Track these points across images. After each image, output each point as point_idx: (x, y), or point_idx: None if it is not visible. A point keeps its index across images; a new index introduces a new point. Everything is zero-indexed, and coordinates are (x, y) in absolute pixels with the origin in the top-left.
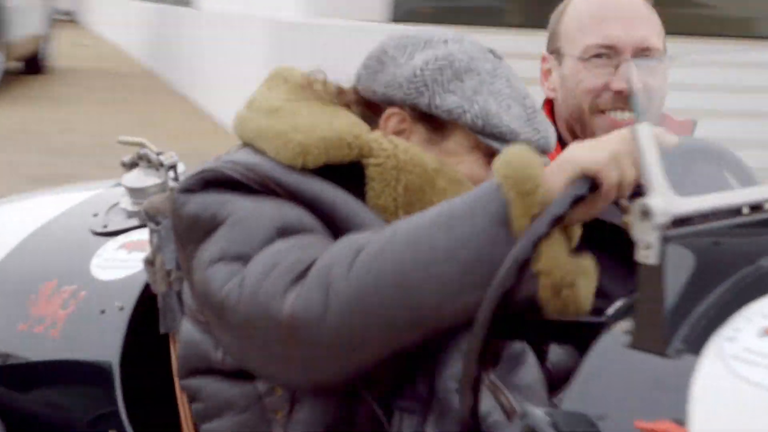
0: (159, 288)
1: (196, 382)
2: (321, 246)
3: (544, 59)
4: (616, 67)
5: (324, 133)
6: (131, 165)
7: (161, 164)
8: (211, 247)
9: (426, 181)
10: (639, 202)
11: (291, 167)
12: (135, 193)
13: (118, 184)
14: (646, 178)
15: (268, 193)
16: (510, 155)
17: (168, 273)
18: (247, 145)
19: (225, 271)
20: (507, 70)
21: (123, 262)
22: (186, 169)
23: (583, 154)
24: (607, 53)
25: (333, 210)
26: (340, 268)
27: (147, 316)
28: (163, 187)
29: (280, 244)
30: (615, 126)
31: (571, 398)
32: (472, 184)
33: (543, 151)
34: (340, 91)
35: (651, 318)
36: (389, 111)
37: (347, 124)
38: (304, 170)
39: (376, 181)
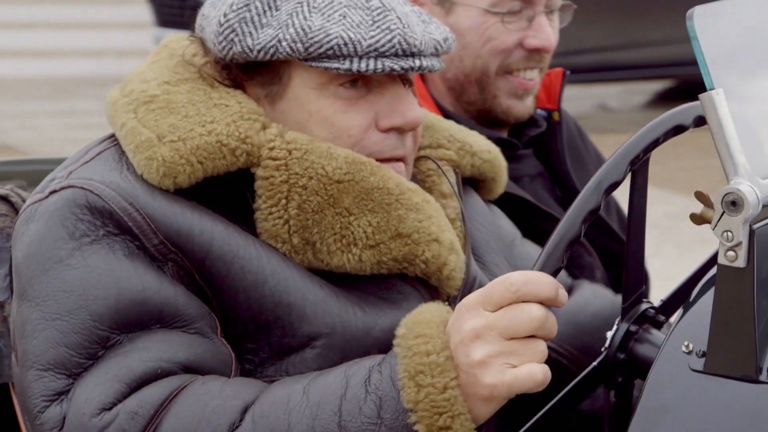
0: None
1: None
2: (171, 360)
3: (413, 2)
4: (530, 20)
5: (198, 141)
6: None
7: None
8: (28, 330)
9: (326, 199)
10: (724, 190)
11: (160, 189)
12: None
13: None
14: (727, 158)
15: (134, 239)
16: (414, 359)
17: (1, 306)
18: (110, 142)
19: (40, 386)
20: None
21: None
22: None
23: (500, 375)
24: (522, 6)
25: (209, 249)
26: None
27: None
28: None
29: (115, 360)
30: (523, 87)
31: None
32: (344, 139)
33: (403, 52)
34: (227, 66)
35: (734, 334)
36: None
37: (233, 121)
38: (178, 192)
39: (262, 200)
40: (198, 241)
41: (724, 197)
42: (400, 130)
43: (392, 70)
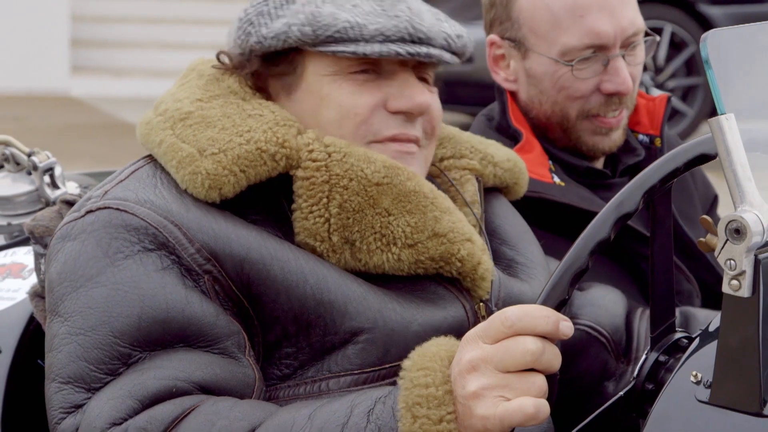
0: None
1: None
2: (187, 379)
3: (491, 43)
4: (605, 65)
5: (239, 150)
6: None
7: (35, 167)
8: (54, 344)
9: (367, 199)
10: (728, 217)
11: (194, 202)
12: (1, 202)
13: None
14: (734, 186)
15: (170, 253)
16: (413, 390)
17: None
18: (144, 161)
19: (60, 398)
20: None
21: None
22: (62, 172)
23: (493, 408)
24: (595, 54)
25: (247, 253)
26: None
27: (34, 362)
28: (36, 196)
29: (132, 377)
30: (607, 126)
31: None
32: (351, 117)
33: (410, 38)
34: (257, 77)
35: (739, 366)
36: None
37: (269, 128)
38: (212, 204)
39: (303, 199)
40: (235, 246)
41: (727, 225)
42: (408, 115)
43: (398, 54)
